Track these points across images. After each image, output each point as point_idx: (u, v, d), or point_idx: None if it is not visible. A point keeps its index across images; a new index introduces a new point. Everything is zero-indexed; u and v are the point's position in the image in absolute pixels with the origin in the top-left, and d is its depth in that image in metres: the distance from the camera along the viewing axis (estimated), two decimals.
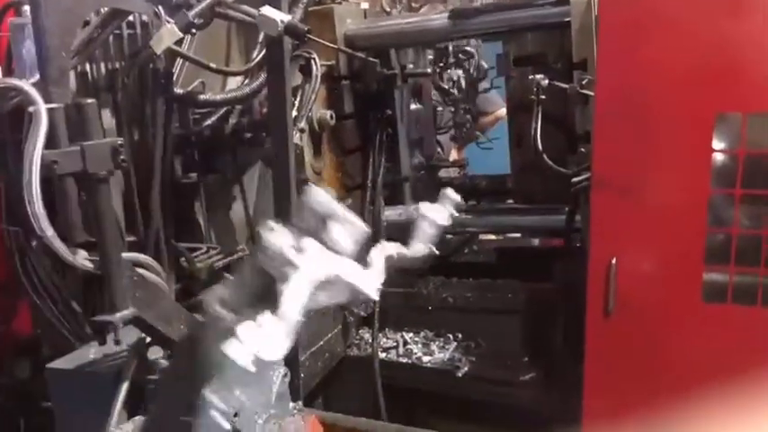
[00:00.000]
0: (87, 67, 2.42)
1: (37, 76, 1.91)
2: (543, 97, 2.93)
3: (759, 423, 2.00)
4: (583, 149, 2.85)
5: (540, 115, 2.93)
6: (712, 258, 2.08)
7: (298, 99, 3.03)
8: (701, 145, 2.03)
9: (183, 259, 3.00)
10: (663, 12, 2.09)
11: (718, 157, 2.04)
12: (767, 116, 1.96)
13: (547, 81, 2.91)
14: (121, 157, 1.83)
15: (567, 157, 3.05)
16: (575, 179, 2.72)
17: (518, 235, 4.09)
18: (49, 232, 1.70)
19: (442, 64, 3.89)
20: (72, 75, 2.39)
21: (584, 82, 2.78)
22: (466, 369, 3.26)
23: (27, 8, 2.29)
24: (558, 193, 3.06)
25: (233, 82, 3.27)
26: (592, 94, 2.58)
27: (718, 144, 2.02)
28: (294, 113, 2.95)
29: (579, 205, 2.87)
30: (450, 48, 3.83)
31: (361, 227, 1.48)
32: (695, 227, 2.08)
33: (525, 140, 3.29)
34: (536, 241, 3.99)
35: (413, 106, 3.95)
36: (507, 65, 3.39)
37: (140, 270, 2.02)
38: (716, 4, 2.02)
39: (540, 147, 2.94)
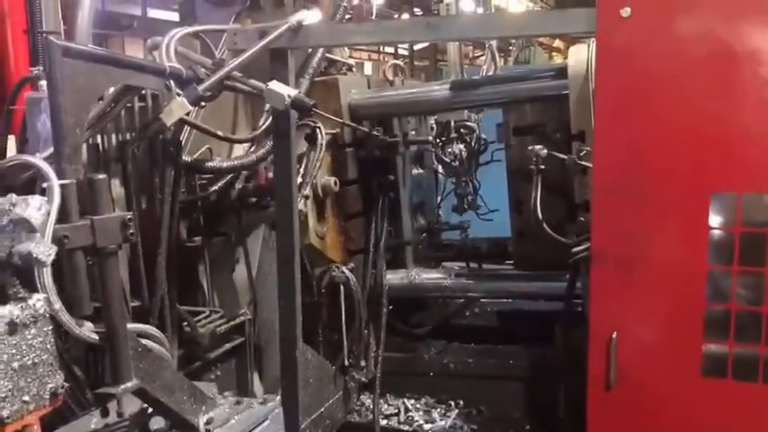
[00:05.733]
0: (99, 138, 2.48)
1: (50, 150, 1.97)
2: (542, 167, 2.98)
3: None
4: (582, 218, 2.89)
5: (539, 185, 2.98)
6: (711, 334, 2.10)
7: (303, 166, 3.08)
8: (698, 222, 2.07)
9: (185, 323, 3.02)
10: (658, 89, 2.15)
11: (715, 234, 2.07)
12: (761, 195, 2.00)
13: (545, 151, 2.97)
14: (130, 231, 1.87)
15: (567, 224, 3.09)
16: (575, 249, 2.75)
17: None
18: (57, 306, 1.72)
19: (444, 138, 3.98)
20: (83, 146, 2.45)
21: (582, 153, 2.85)
22: None
23: (44, 83, 2.38)
24: (557, 258, 3.08)
25: (239, 147, 3.34)
26: (590, 165, 2.63)
27: (714, 221, 2.06)
28: (299, 180, 3.00)
29: (579, 273, 2.90)
30: (452, 123, 3.93)
31: None
32: (694, 302, 2.11)
33: (525, 207, 3.34)
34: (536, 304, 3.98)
35: (414, 171, 4.02)
36: (507, 134, 3.47)
37: (144, 341, 2.03)
38: (709, 85, 2.08)
39: (540, 216, 2.98)
